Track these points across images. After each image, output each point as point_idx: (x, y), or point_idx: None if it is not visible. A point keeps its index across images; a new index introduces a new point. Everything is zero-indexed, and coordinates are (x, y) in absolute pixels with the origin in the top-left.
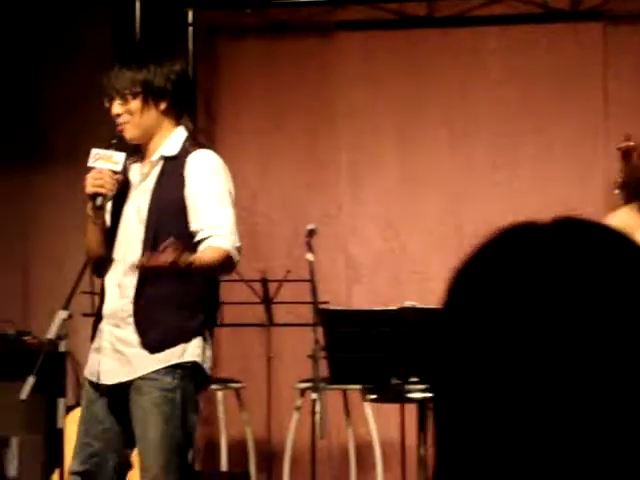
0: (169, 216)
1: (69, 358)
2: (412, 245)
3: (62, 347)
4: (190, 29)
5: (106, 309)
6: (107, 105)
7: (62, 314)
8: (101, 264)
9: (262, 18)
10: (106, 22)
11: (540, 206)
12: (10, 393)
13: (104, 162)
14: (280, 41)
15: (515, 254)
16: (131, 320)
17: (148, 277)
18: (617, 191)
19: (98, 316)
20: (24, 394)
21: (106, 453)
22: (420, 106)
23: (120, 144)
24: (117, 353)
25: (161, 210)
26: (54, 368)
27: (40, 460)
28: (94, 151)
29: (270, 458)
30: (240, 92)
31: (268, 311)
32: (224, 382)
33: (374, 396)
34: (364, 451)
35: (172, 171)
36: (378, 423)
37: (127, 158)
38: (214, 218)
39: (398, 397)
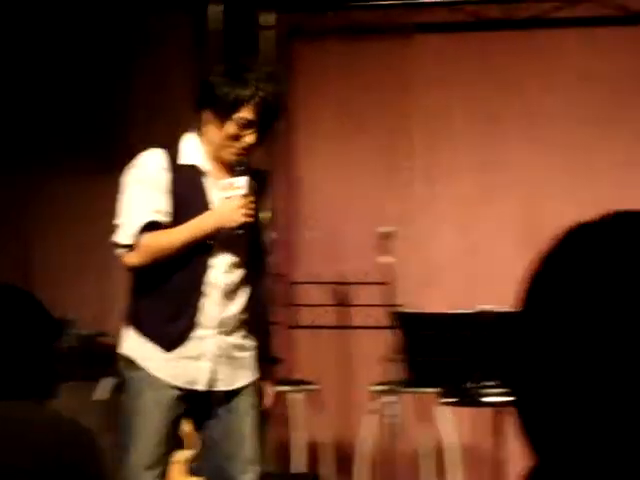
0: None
1: None
2: (488, 248)
3: None
4: (271, 32)
5: (213, 319)
6: (239, 131)
7: None
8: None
9: (343, 20)
10: (187, 25)
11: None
12: (87, 393)
13: (233, 190)
14: (359, 43)
15: (585, 251)
16: (244, 326)
17: (253, 287)
18: None
19: (191, 324)
20: (99, 394)
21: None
22: (496, 109)
23: (244, 168)
24: (231, 359)
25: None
26: None
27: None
28: (224, 182)
29: (344, 460)
30: (319, 95)
31: (345, 314)
32: (300, 384)
33: (449, 399)
34: (439, 454)
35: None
36: (453, 426)
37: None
38: None
39: (474, 400)
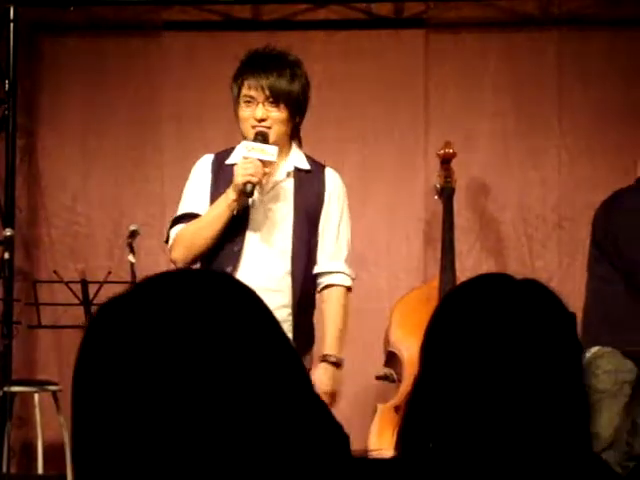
0: (307, 225)
1: None
2: None
3: None
4: (11, 25)
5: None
6: (248, 110)
7: None
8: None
9: (86, 16)
10: None
11: (362, 212)
12: None
13: (258, 153)
14: (104, 40)
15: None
16: (287, 325)
17: (302, 281)
18: (436, 197)
19: None
20: None
21: None
22: None
23: (265, 140)
24: None
25: (302, 218)
26: None
27: None
28: (246, 143)
29: None
30: (62, 91)
31: (88, 313)
32: (41, 384)
33: None
34: None
35: (310, 184)
36: None
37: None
38: (341, 251)
39: None
